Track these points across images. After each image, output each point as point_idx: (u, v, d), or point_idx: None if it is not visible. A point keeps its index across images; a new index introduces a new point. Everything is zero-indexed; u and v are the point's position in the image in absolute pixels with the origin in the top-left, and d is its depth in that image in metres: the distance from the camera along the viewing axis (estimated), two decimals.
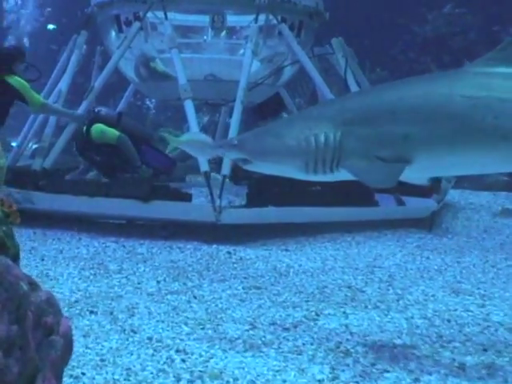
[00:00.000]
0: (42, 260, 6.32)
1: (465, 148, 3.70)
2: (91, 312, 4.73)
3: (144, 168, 8.70)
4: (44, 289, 2.42)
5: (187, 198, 7.63)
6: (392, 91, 4.02)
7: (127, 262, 6.36)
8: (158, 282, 5.70)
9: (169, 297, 5.22)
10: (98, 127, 8.69)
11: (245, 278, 5.93)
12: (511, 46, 3.83)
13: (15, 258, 2.53)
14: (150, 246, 7.12)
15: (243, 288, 5.57)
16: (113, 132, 8.79)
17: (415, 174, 3.84)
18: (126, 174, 8.67)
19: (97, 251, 6.81)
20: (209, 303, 5.08)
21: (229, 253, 6.89)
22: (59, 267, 6.09)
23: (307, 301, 5.21)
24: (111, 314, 4.70)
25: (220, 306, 5.02)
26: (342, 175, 3.89)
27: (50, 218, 7.94)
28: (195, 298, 5.22)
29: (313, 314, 4.86)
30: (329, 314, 4.87)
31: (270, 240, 7.50)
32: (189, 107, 8.03)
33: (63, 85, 9.41)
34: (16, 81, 8.13)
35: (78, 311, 4.74)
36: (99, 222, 8.10)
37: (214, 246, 7.15)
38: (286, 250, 7.13)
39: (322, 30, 10.26)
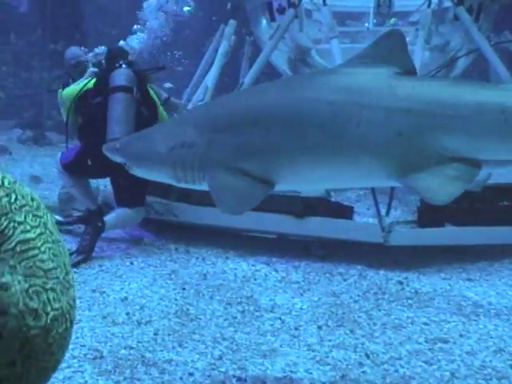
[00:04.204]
0: (183, 289, 5.42)
1: (328, 161, 3.35)
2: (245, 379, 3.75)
3: None
4: None
5: (348, 214, 6.56)
6: (259, 95, 3.69)
7: (281, 295, 5.37)
8: (319, 327, 4.67)
9: (334, 354, 4.18)
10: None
11: (425, 323, 4.79)
12: (384, 42, 3.43)
13: None
14: (306, 269, 6.09)
15: (426, 340, 4.45)
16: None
17: (281, 187, 3.48)
18: None
19: (245, 277, 5.84)
20: (386, 366, 4.00)
21: (400, 283, 5.76)
22: (202, 300, 5.18)
23: None
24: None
25: (401, 371, 3.94)
26: None
27: (195, 232, 7.08)
28: (367, 356, 4.15)
29: None
30: None
31: (447, 266, 6.28)
32: None
33: (209, 80, 8.54)
34: (154, 93, 7.20)
35: (221, 376, 3.79)
36: (248, 237, 7.15)
37: (382, 272, 6.03)
38: (469, 280, 5.91)
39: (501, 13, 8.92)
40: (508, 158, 3.34)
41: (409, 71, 3.42)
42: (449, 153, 3.22)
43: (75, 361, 3.92)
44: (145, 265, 6.05)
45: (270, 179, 3.39)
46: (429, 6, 7.63)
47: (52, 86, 12.72)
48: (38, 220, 1.28)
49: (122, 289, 5.35)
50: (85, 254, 6.14)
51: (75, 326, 4.34)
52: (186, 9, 23.17)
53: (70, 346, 3.88)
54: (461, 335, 4.57)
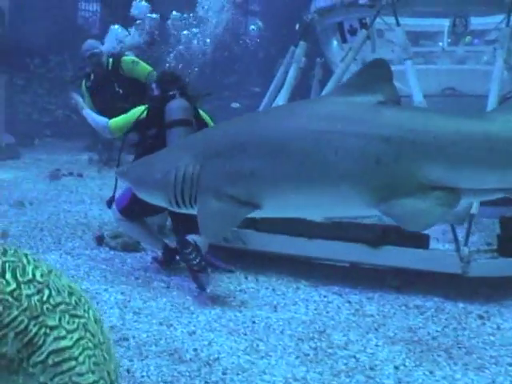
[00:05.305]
0: (253, 323, 5.23)
1: (309, 188, 3.43)
2: None
3: None
4: None
5: (424, 243, 6.27)
6: (248, 124, 3.84)
7: (355, 330, 5.13)
8: (396, 367, 4.41)
9: None
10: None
11: (510, 364, 4.50)
12: (369, 71, 3.50)
13: None
14: (380, 302, 5.84)
15: None
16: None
17: (264, 213, 3.62)
18: None
19: (317, 309, 5.62)
20: None
21: (481, 317, 5.46)
22: (272, 335, 4.97)
23: None
24: None
25: None
26: None
27: (264, 259, 6.88)
28: None
29: None
30: None
31: None
32: None
33: (280, 103, 8.39)
34: (205, 115, 6.97)
35: None
36: (319, 265, 6.92)
37: (461, 305, 5.74)
38: None
39: None
40: (497, 186, 3.33)
41: (392, 100, 3.46)
42: (429, 181, 3.24)
43: None
44: (213, 295, 5.89)
45: (255, 204, 3.53)
46: (507, 24, 7.32)
47: (71, 79, 12.93)
48: (77, 321, 1.03)
49: (190, 322, 5.19)
50: (206, 268, 5.95)
51: (141, 363, 4.22)
52: (251, 27, 23.21)
53: None
54: None
